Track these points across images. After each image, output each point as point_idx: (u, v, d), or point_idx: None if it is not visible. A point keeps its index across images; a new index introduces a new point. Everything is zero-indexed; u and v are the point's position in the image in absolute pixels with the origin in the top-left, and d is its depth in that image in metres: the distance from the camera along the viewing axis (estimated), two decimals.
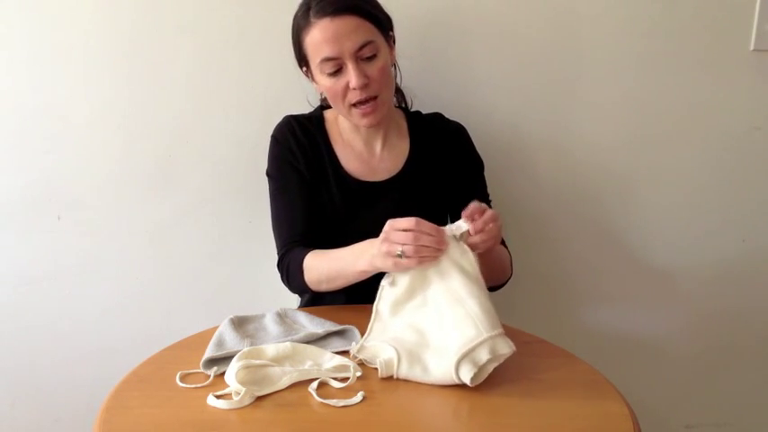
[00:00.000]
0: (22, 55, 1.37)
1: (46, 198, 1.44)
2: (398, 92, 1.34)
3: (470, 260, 0.98)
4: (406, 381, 0.94)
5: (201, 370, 0.95)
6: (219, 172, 1.44)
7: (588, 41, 1.43)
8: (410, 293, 1.01)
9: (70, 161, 1.43)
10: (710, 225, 1.54)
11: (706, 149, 1.49)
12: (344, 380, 0.92)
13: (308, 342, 1.01)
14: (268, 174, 1.26)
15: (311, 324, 1.08)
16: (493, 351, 0.91)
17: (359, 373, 0.94)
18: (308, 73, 1.21)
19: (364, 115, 1.16)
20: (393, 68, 1.25)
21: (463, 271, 0.97)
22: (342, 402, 0.87)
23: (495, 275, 1.22)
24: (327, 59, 1.12)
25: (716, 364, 1.62)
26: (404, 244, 0.96)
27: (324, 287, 1.15)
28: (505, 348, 0.92)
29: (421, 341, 0.97)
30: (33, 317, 1.50)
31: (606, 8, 1.41)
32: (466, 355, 0.90)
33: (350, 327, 1.07)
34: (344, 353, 1.00)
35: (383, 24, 1.17)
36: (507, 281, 1.27)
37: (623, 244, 1.54)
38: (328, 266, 1.12)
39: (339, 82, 1.14)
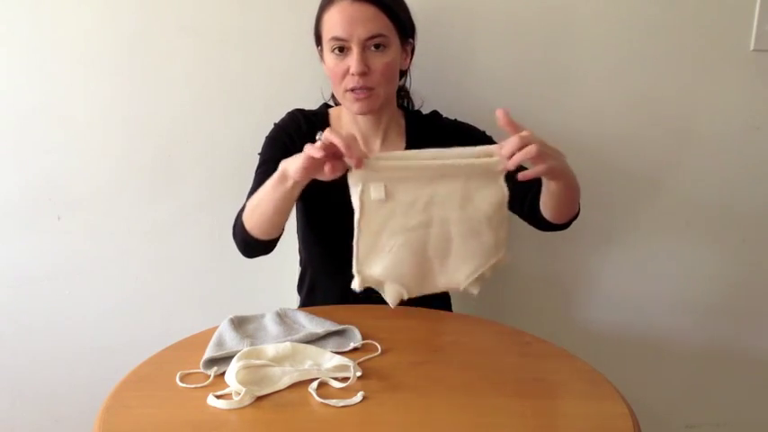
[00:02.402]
0: (22, 54, 1.38)
1: (46, 198, 1.44)
2: (406, 95, 1.34)
3: (500, 185, 0.94)
4: (406, 380, 0.94)
5: (201, 370, 0.95)
6: (219, 172, 1.45)
7: (588, 41, 1.43)
8: (409, 208, 0.95)
9: (70, 161, 1.43)
10: (710, 225, 1.54)
11: (706, 149, 1.49)
12: (344, 380, 0.92)
13: (307, 342, 1.01)
14: (259, 153, 1.26)
15: (311, 324, 1.08)
16: (494, 269, 0.98)
17: (359, 373, 0.94)
18: (321, 51, 1.22)
19: (357, 100, 1.17)
20: (404, 74, 1.27)
21: (487, 199, 0.94)
22: (342, 402, 0.87)
23: (565, 204, 1.13)
24: (336, 39, 1.14)
25: (716, 364, 1.62)
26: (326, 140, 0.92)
27: (254, 218, 1.08)
28: (503, 262, 0.98)
29: (425, 267, 0.98)
30: (33, 317, 1.50)
31: (606, 8, 1.41)
32: (475, 279, 0.97)
33: (349, 326, 1.07)
34: (344, 353, 1.00)
35: (403, 27, 1.18)
36: (577, 215, 1.19)
37: (623, 244, 1.54)
38: (257, 193, 1.08)
39: (341, 64, 1.15)
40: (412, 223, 0.95)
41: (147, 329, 1.50)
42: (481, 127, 1.29)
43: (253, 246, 1.13)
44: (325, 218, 1.23)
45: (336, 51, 1.15)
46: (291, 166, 0.97)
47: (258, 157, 1.25)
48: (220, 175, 1.45)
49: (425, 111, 1.33)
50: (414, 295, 0.99)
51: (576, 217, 1.19)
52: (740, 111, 1.48)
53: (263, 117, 1.29)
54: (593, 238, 1.53)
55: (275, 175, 1.01)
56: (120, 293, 1.50)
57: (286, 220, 1.08)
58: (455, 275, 0.97)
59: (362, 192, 0.93)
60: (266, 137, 1.27)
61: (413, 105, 1.36)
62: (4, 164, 1.42)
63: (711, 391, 1.64)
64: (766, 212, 1.54)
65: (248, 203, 1.10)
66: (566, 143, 1.45)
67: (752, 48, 1.43)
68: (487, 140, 1.28)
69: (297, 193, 1.01)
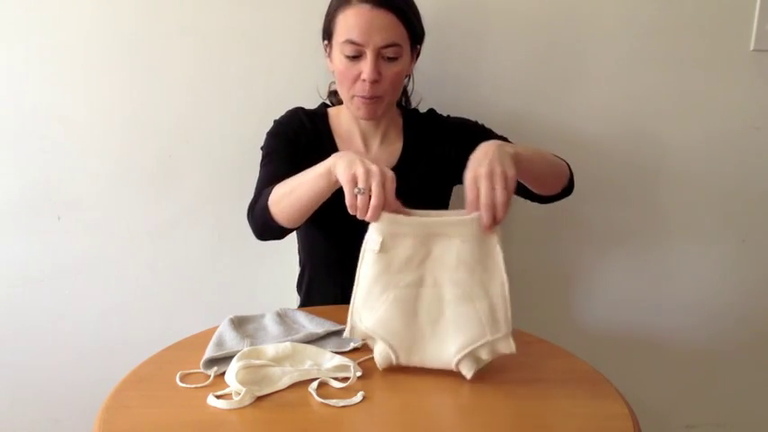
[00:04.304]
0: (22, 54, 1.38)
1: (46, 198, 1.44)
2: (405, 95, 1.35)
3: (495, 252, 0.92)
4: (406, 380, 0.94)
5: (201, 370, 0.95)
6: (219, 172, 1.45)
7: (588, 41, 1.43)
8: (404, 265, 0.93)
9: (70, 161, 1.43)
10: (710, 225, 1.54)
11: (706, 149, 1.49)
12: (344, 380, 0.92)
13: (307, 342, 1.01)
14: (261, 148, 1.25)
15: (311, 324, 1.09)
16: (493, 352, 0.92)
17: (359, 373, 0.94)
18: (328, 47, 1.21)
19: (363, 105, 1.17)
20: (407, 78, 1.27)
21: (482, 264, 0.92)
22: (342, 402, 0.87)
23: (547, 183, 1.15)
24: (351, 42, 1.13)
25: (716, 364, 1.62)
26: (368, 186, 0.91)
27: (284, 203, 1.06)
28: (506, 349, 0.92)
29: (415, 329, 0.94)
30: (33, 317, 1.50)
31: (606, 8, 1.41)
32: (467, 355, 0.92)
33: None
34: (344, 353, 1.00)
35: (416, 35, 1.18)
36: (569, 184, 1.19)
37: (623, 244, 1.54)
38: (290, 180, 1.06)
39: (352, 68, 1.14)
40: (405, 281, 0.93)
41: (147, 329, 1.50)
42: (480, 121, 1.30)
43: (272, 230, 1.11)
44: (324, 218, 1.23)
45: (349, 54, 1.14)
46: (338, 166, 0.95)
47: (260, 152, 1.25)
48: (220, 175, 1.45)
49: (423, 108, 1.33)
50: (402, 362, 0.95)
51: (571, 177, 1.19)
52: (740, 111, 1.48)
53: (264, 117, 1.29)
54: (592, 238, 1.53)
55: (319, 169, 0.99)
56: (120, 293, 1.50)
57: (313, 211, 1.06)
58: (445, 346, 0.93)
59: (366, 242, 0.94)
60: (268, 132, 1.26)
61: (410, 104, 1.36)
62: (3, 164, 1.42)
63: (711, 391, 1.64)
64: (766, 212, 1.54)
65: (277, 189, 1.07)
66: (564, 143, 1.46)
67: (752, 48, 1.43)
68: (484, 132, 1.28)
69: (335, 189, 0.99)
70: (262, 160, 1.23)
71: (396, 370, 0.96)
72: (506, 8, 1.41)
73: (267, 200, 1.08)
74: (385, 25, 1.12)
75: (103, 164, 1.43)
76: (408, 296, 0.94)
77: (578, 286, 1.57)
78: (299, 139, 1.23)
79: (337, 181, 0.97)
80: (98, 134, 1.42)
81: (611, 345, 1.58)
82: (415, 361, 0.95)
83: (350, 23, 1.13)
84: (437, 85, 1.41)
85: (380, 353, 0.95)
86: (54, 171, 1.43)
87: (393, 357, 0.95)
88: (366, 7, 1.12)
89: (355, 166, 0.92)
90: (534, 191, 1.15)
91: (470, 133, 1.27)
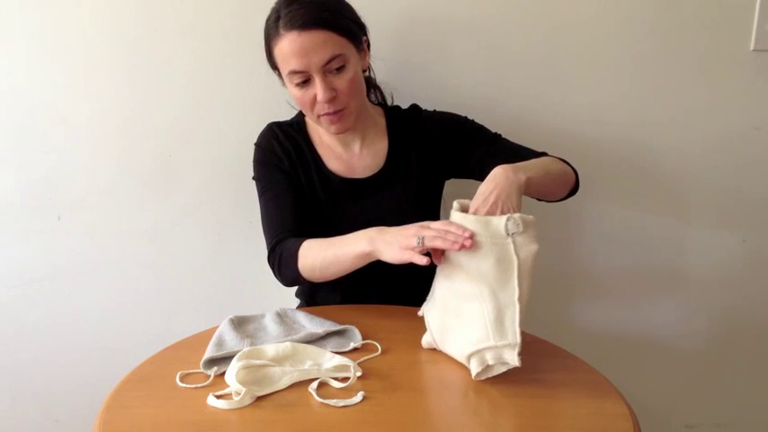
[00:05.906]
0: (23, 54, 1.38)
1: (46, 198, 1.44)
2: (377, 89, 1.34)
3: (509, 259, 0.93)
4: (406, 380, 0.95)
5: (201, 370, 0.95)
6: (219, 172, 1.45)
7: (587, 41, 1.43)
8: (465, 259, 0.96)
9: (70, 161, 1.43)
10: (710, 225, 1.54)
11: (706, 149, 1.49)
12: (344, 380, 0.92)
13: (307, 342, 1.01)
14: (254, 178, 1.26)
15: (311, 324, 1.09)
16: (498, 358, 0.92)
17: (359, 373, 0.94)
18: (279, 77, 1.21)
19: (332, 123, 1.17)
20: (366, 71, 1.26)
21: (495, 267, 0.93)
22: (342, 402, 0.87)
23: (554, 193, 1.18)
24: (295, 72, 1.12)
25: (716, 364, 1.62)
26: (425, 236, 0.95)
27: (317, 274, 1.11)
28: (510, 360, 0.91)
29: (446, 320, 0.99)
30: (33, 317, 1.50)
31: (606, 8, 1.41)
32: (473, 354, 0.93)
33: (350, 327, 1.07)
34: (344, 353, 1.01)
35: (354, 34, 1.15)
36: (575, 185, 1.22)
37: (623, 244, 1.54)
38: (324, 251, 1.10)
39: (307, 93, 1.14)
40: (444, 272, 1.00)
41: (147, 329, 1.50)
42: (462, 113, 1.30)
43: (299, 284, 1.22)
44: (324, 226, 1.23)
45: (298, 82, 1.13)
46: (384, 253, 0.99)
47: (254, 182, 1.26)
48: (220, 175, 1.45)
49: (406, 103, 1.33)
50: (438, 348, 1.02)
51: (577, 179, 1.21)
52: (740, 111, 1.48)
53: (263, 117, 1.29)
54: (592, 237, 1.53)
55: (357, 250, 1.03)
56: (120, 293, 1.50)
57: None
58: (459, 342, 0.96)
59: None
60: (255, 160, 1.26)
61: (383, 97, 1.35)
62: (4, 164, 1.42)
63: (711, 391, 1.64)
64: (766, 212, 1.54)
65: (308, 255, 1.11)
66: (563, 144, 1.46)
67: (752, 48, 1.43)
68: (469, 126, 1.28)
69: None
70: (260, 193, 1.25)
71: (396, 370, 0.97)
72: (505, 7, 1.40)
73: (297, 265, 1.12)
74: (319, 43, 1.09)
75: (103, 164, 1.43)
76: (442, 286, 1.01)
77: (578, 286, 1.57)
78: (283, 164, 1.24)
79: (376, 258, 1.02)
80: (98, 134, 1.42)
81: (611, 345, 1.58)
82: (446, 350, 1.01)
83: (286, 54, 1.11)
84: (435, 86, 1.41)
85: (427, 341, 1.03)
86: (54, 171, 1.43)
87: (434, 344, 1.02)
88: (294, 33, 1.09)
89: (403, 250, 0.96)
90: (541, 196, 1.17)
91: (461, 129, 1.27)
